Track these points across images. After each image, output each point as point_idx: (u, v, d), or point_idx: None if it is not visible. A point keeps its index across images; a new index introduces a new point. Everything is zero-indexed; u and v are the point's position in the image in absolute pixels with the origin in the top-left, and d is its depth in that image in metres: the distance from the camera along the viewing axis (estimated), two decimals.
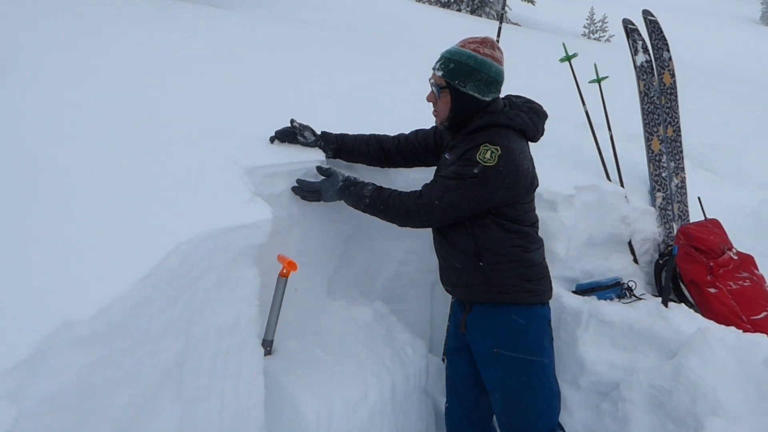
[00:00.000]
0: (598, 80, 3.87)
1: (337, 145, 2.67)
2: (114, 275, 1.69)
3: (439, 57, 2.38)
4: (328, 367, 2.47)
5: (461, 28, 9.81)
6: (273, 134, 2.59)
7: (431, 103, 2.44)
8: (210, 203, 2.12)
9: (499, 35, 3.87)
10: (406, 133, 2.74)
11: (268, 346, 2.39)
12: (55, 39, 3.27)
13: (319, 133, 2.65)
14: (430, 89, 2.40)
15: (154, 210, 2.00)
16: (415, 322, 3.20)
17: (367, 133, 2.74)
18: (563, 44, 3.96)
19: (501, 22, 4.29)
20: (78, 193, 1.98)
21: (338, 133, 2.70)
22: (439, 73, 2.34)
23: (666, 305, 3.04)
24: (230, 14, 6.07)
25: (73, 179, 2.04)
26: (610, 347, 2.97)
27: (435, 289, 3.33)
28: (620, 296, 3.20)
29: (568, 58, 3.83)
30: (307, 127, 2.61)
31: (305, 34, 6.01)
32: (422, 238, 3.21)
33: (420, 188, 2.39)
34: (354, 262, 2.93)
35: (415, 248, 3.16)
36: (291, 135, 2.59)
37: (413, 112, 2.88)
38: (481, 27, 11.69)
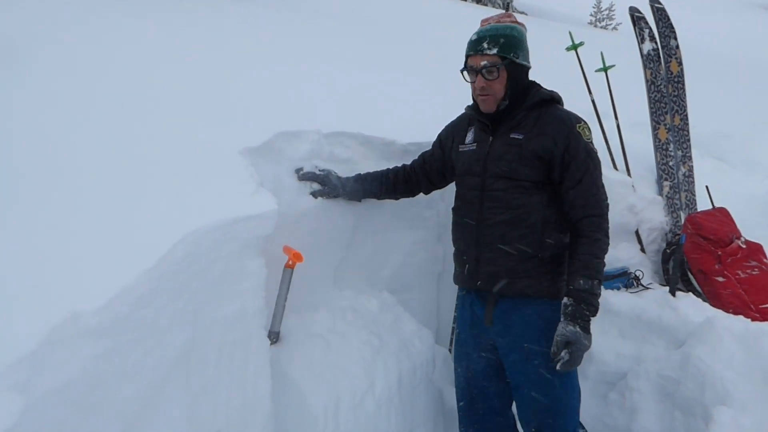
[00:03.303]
0: (605, 69, 3.84)
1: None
2: (120, 267, 1.70)
3: (477, 39, 2.29)
4: (335, 358, 2.48)
5: (468, 17, 9.76)
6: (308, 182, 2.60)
7: (480, 89, 2.30)
8: (215, 194, 2.12)
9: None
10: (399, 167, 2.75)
11: (274, 337, 2.40)
12: (54, 32, 3.27)
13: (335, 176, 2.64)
14: (476, 75, 2.28)
15: (159, 202, 2.00)
16: (421, 313, 3.20)
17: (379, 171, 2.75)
18: (570, 33, 3.93)
19: (507, 11, 4.26)
20: (84, 187, 1.99)
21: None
22: (493, 51, 2.25)
23: (674, 294, 3.03)
24: (236, 4, 6.06)
25: (78, 172, 2.05)
26: (618, 337, 2.97)
27: (441, 279, 3.33)
28: (627, 286, 3.19)
29: (574, 47, 3.80)
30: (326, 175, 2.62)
31: (312, 24, 5.99)
32: (428, 229, 3.21)
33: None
34: (360, 252, 2.93)
35: (421, 238, 3.15)
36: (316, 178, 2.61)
37: (419, 104, 2.87)
38: (488, 16, 11.57)
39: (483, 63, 2.26)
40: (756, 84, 10.29)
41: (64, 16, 3.59)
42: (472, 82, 2.32)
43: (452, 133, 2.58)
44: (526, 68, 2.35)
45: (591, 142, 2.31)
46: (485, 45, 2.27)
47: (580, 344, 2.11)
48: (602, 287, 3.08)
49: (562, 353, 2.11)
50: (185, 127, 2.51)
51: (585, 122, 2.33)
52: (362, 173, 2.71)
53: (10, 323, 1.46)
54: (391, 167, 2.75)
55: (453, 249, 2.53)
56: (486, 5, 21.62)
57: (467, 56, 2.32)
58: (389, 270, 3.13)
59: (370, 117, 3.11)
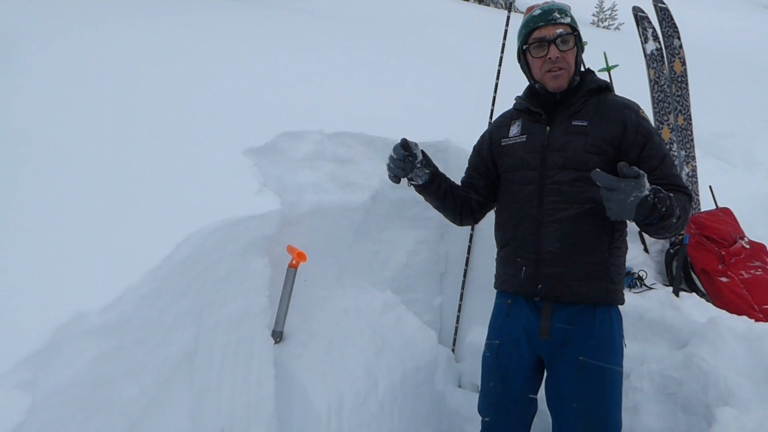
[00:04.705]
0: (608, 68, 3.84)
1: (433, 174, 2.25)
2: (125, 267, 1.71)
3: (547, 10, 2.12)
4: (339, 358, 2.48)
5: (469, 17, 9.76)
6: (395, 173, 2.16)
7: (554, 60, 2.08)
8: (219, 195, 2.12)
9: (507, 24, 3.84)
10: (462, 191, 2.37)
11: (277, 336, 2.40)
12: (59, 34, 3.27)
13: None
14: (547, 48, 2.08)
15: (163, 202, 2.01)
16: (424, 312, 3.21)
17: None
18: None
19: (509, 11, 4.26)
20: (89, 187, 1.99)
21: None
22: (568, 20, 2.10)
23: (677, 295, 3.03)
24: (238, 5, 6.06)
25: (83, 173, 2.05)
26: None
27: (444, 279, 3.33)
28: (631, 286, 3.18)
29: None
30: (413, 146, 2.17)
31: (314, 25, 6.00)
32: (430, 228, 3.21)
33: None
34: (363, 252, 2.93)
35: (424, 238, 3.16)
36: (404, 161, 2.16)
37: (422, 104, 2.87)
38: (490, 16, 11.62)
39: (558, 31, 2.07)
40: (757, 84, 10.26)
41: (65, 17, 3.60)
42: (542, 57, 2.11)
43: (490, 135, 2.34)
44: (583, 50, 2.20)
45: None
46: (557, 14, 2.10)
47: (640, 186, 1.70)
48: None
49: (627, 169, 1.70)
50: (189, 128, 2.52)
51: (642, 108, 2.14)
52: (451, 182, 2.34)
53: (17, 323, 1.46)
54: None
55: (499, 252, 2.28)
56: (488, 5, 21.63)
57: (532, 30, 2.13)
58: (392, 270, 3.13)
59: (373, 117, 3.13)
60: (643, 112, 2.11)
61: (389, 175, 2.16)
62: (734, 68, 12.00)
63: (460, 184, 2.39)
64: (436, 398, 2.89)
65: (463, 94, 3.21)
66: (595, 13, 37.68)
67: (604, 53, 3.85)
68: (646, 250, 3.59)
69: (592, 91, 2.15)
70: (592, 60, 3.88)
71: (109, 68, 2.94)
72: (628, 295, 3.05)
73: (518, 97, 2.30)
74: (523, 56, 2.21)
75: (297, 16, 6.46)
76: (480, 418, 2.27)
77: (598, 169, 1.74)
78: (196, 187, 2.14)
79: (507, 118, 2.33)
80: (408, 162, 2.14)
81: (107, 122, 2.41)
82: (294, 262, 2.37)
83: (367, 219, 2.87)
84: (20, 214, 1.81)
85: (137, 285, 1.68)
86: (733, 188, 4.57)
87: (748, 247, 3.48)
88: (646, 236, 3.60)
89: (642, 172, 1.72)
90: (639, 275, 3.22)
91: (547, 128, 2.15)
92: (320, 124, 2.74)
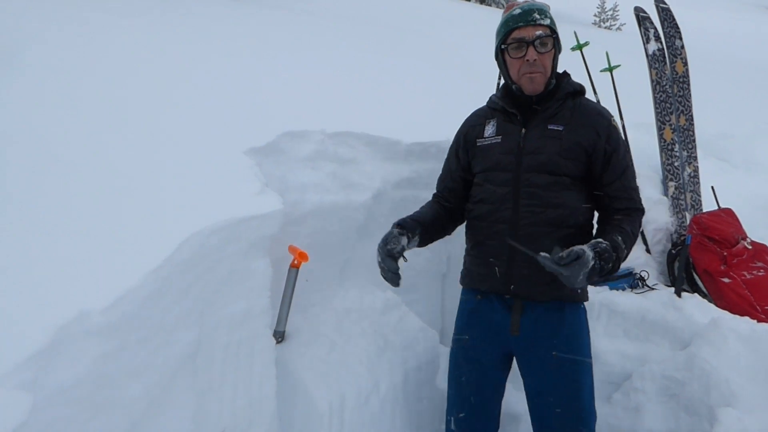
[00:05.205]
0: (610, 69, 3.84)
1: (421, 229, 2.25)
2: (127, 267, 1.70)
3: (526, 10, 2.11)
4: (340, 357, 2.48)
5: (471, 17, 9.76)
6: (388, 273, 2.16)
7: (532, 63, 2.08)
8: (221, 194, 2.12)
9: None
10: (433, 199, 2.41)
11: (279, 336, 2.40)
12: (59, 33, 3.27)
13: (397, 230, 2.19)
14: (526, 49, 2.08)
15: (165, 202, 2.01)
16: (426, 312, 3.20)
17: (424, 207, 2.38)
18: (574, 33, 3.93)
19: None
20: (91, 186, 1.99)
21: (402, 219, 2.27)
22: (546, 22, 2.09)
23: (679, 295, 3.03)
24: (239, 4, 6.06)
25: (85, 173, 2.05)
26: (623, 337, 2.96)
27: (446, 279, 3.33)
28: (632, 286, 3.18)
29: (579, 47, 3.80)
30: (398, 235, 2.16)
31: (316, 25, 5.99)
32: None
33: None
34: (365, 252, 2.93)
35: None
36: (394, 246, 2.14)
37: (424, 104, 2.87)
38: (491, 16, 11.62)
39: (538, 33, 2.07)
40: (758, 85, 10.27)
41: (67, 17, 3.60)
42: (519, 58, 2.10)
43: (465, 136, 2.33)
44: (560, 51, 2.20)
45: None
46: (537, 15, 2.09)
47: (584, 264, 1.85)
48: (607, 287, 3.10)
49: (567, 257, 1.85)
50: (190, 128, 2.52)
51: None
52: (418, 219, 2.29)
53: (18, 322, 1.46)
54: (427, 203, 2.40)
55: (470, 250, 2.30)
56: (490, 5, 21.64)
57: (512, 30, 2.11)
58: None
59: (375, 117, 3.12)
60: (614, 121, 2.17)
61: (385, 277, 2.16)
62: (735, 69, 12.00)
63: (436, 191, 2.41)
64: (437, 398, 2.88)
65: (464, 93, 3.21)
66: (597, 14, 37.72)
67: (606, 53, 3.85)
68: (648, 250, 3.59)
69: (568, 94, 2.17)
70: (593, 60, 3.89)
71: (109, 68, 2.94)
72: (630, 296, 3.05)
73: (493, 95, 2.30)
74: (501, 55, 2.20)
75: (298, 16, 6.46)
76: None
77: (542, 254, 1.88)
78: (198, 187, 2.13)
79: (481, 117, 2.32)
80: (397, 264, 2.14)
81: (108, 122, 2.41)
82: (296, 262, 2.37)
83: (369, 219, 2.86)
84: (21, 213, 1.81)
85: (139, 285, 1.68)
86: (734, 189, 4.56)
87: (750, 247, 3.47)
88: (648, 236, 3.59)
89: (582, 249, 1.87)
90: (641, 276, 3.22)
91: (523, 130, 2.16)
92: (322, 124, 2.74)
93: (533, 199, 2.09)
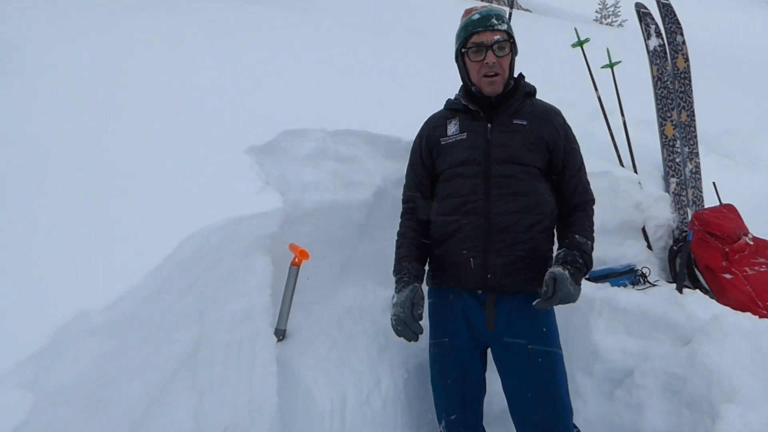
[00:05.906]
0: (611, 65, 3.83)
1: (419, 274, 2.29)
2: (127, 266, 1.70)
3: (485, 16, 2.25)
4: (342, 356, 2.48)
5: None
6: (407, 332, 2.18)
7: (491, 66, 2.22)
8: (221, 193, 2.12)
9: (509, 22, 3.83)
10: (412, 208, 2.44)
11: (280, 335, 2.40)
12: (58, 32, 3.28)
13: (408, 292, 2.19)
14: (485, 53, 2.21)
15: (165, 200, 2.01)
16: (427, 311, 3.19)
17: (409, 240, 2.37)
18: (575, 29, 3.92)
19: (511, 8, 4.25)
20: (91, 186, 2.00)
21: (408, 267, 2.29)
22: (504, 27, 2.24)
23: (681, 291, 3.02)
24: (239, 4, 6.06)
25: (85, 172, 2.05)
26: (624, 334, 2.95)
27: None
28: (634, 283, 3.18)
29: (580, 44, 3.80)
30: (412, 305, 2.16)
31: (316, 23, 5.99)
32: None
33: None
34: (366, 250, 2.93)
35: None
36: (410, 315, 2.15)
37: (424, 102, 2.86)
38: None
39: (496, 38, 2.21)
40: (761, 81, 10.24)
41: (66, 17, 3.60)
42: (479, 61, 2.23)
43: (426, 138, 2.41)
44: (516, 54, 2.35)
45: None
46: (495, 21, 2.23)
47: (563, 284, 2.03)
48: (608, 284, 3.10)
49: (548, 288, 2.03)
50: (190, 126, 2.52)
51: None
52: (409, 256, 2.32)
53: (19, 322, 1.46)
54: (407, 232, 2.40)
55: (439, 247, 2.30)
56: (491, 3, 21.61)
57: (471, 34, 2.25)
58: None
59: (375, 115, 3.12)
60: (565, 119, 2.38)
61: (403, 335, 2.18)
62: (737, 66, 11.97)
63: (405, 202, 2.47)
64: None
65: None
66: (598, 10, 37.66)
67: (607, 50, 3.85)
68: (649, 247, 3.59)
69: (526, 94, 2.33)
70: (595, 56, 3.88)
71: (109, 68, 2.95)
72: (632, 292, 3.04)
73: (451, 98, 2.45)
74: (460, 58, 2.34)
75: (299, 15, 6.45)
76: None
77: (534, 303, 2.08)
78: (198, 186, 2.13)
79: (441, 119, 2.43)
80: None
81: (108, 121, 2.41)
82: (296, 260, 2.37)
83: (370, 217, 2.86)
84: (21, 213, 1.81)
85: (139, 284, 1.68)
86: (736, 185, 4.56)
87: (752, 243, 3.47)
88: (649, 233, 3.59)
89: (552, 273, 2.06)
90: (642, 272, 3.22)
91: (488, 125, 2.27)
92: (322, 122, 2.74)
93: (504, 188, 2.20)
